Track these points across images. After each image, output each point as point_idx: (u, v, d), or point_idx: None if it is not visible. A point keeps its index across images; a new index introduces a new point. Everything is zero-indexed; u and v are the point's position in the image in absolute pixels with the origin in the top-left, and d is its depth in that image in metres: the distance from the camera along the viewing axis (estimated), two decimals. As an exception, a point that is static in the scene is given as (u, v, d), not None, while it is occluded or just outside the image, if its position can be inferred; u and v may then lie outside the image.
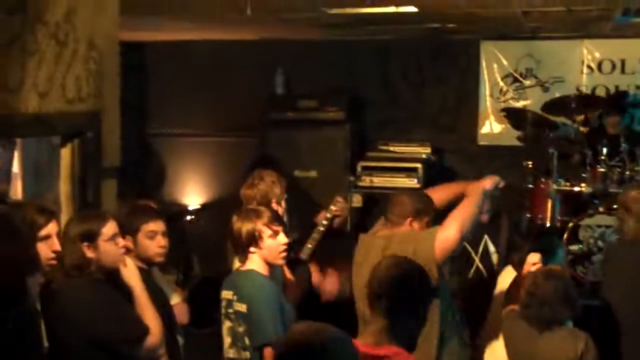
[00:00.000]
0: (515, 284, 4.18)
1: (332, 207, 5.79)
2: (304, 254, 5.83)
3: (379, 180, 7.18)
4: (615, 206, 6.00)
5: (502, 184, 4.13)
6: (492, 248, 5.55)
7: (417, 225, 4.15)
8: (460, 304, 4.93)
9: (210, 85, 8.22)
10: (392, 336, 2.74)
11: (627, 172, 6.18)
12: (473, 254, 5.54)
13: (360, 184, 7.19)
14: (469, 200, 3.91)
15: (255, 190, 4.75)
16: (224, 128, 8.27)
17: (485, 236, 5.54)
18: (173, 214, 7.48)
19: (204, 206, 8.23)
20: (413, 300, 2.83)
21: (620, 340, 4.29)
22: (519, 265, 4.37)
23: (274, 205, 4.62)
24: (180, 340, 4.50)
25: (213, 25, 6.93)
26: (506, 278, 4.54)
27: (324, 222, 5.82)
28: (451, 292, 4.38)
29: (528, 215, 6.45)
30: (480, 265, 5.38)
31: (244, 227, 3.96)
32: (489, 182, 4.03)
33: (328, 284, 5.14)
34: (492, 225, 5.76)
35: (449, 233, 3.78)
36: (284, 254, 4.03)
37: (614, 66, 7.70)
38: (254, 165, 6.23)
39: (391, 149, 7.59)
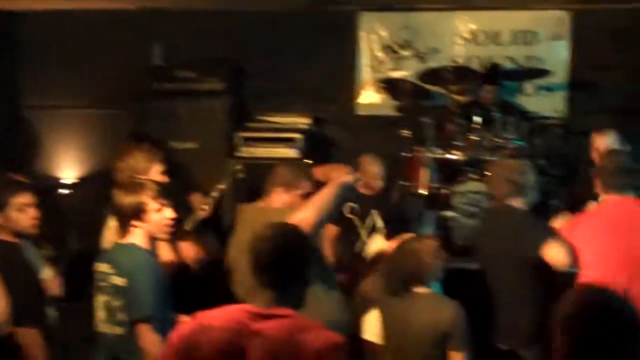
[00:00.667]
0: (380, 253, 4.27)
1: (213, 196, 5.75)
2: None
3: (259, 151, 7.16)
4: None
5: (358, 183, 4.21)
6: (379, 222, 5.65)
7: (287, 197, 4.20)
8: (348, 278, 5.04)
9: (86, 56, 7.98)
10: (282, 302, 2.74)
11: (499, 141, 6.36)
12: (359, 228, 5.63)
13: (240, 154, 7.16)
14: (327, 189, 3.95)
15: (123, 165, 4.64)
16: (100, 100, 8.05)
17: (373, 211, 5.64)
18: (46, 187, 7.26)
19: (81, 180, 8.02)
20: (298, 267, 2.83)
21: (491, 303, 4.42)
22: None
23: None
24: (52, 313, 4.40)
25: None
26: (372, 247, 4.64)
27: (204, 207, 5.77)
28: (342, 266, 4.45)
29: (404, 183, 6.55)
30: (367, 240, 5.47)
31: (128, 200, 3.86)
32: (347, 177, 4.06)
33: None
34: (380, 198, 5.87)
35: (304, 215, 3.80)
36: (170, 229, 3.96)
37: (487, 37, 7.89)
38: (130, 138, 6.11)
39: (271, 119, 7.58)
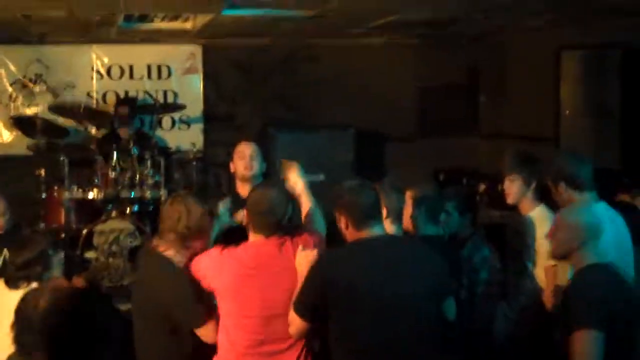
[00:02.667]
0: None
1: None
2: None
3: None
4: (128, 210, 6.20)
5: None
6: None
7: None
8: None
9: None
10: None
11: (138, 176, 6.34)
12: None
13: None
14: None
15: None
16: None
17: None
18: None
19: None
20: None
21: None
22: None
23: None
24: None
25: None
26: None
27: None
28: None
29: (43, 225, 6.28)
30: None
31: None
32: None
33: None
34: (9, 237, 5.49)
35: None
36: None
37: (122, 71, 7.88)
38: None
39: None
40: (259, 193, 3.69)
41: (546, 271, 4.23)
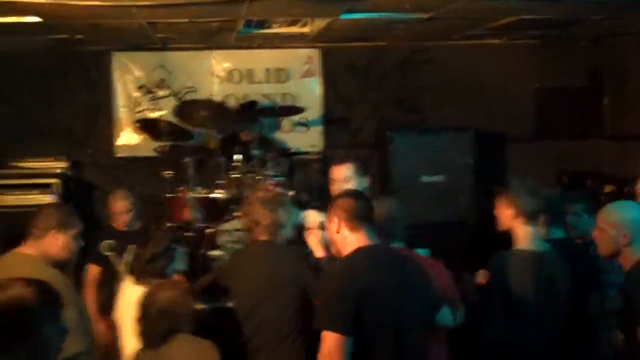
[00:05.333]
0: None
1: None
2: None
3: (12, 199, 6.79)
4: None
5: None
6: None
7: (63, 237, 4.02)
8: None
9: None
10: None
11: (259, 177, 6.47)
12: (117, 265, 5.48)
13: (-10, 203, 6.77)
14: None
15: None
16: None
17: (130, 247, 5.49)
18: None
19: None
20: None
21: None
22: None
23: None
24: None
25: None
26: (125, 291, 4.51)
27: None
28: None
29: (169, 224, 6.47)
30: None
31: None
32: None
33: None
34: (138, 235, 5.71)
35: None
36: None
37: (242, 76, 8.05)
38: None
39: (24, 165, 7.22)
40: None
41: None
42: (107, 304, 5.41)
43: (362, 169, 4.83)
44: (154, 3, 5.02)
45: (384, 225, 3.84)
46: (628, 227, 3.49)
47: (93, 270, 5.83)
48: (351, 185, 4.60)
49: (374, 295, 3.32)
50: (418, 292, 3.48)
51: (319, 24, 6.56)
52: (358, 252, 3.47)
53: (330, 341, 3.24)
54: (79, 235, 4.13)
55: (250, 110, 7.39)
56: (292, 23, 6.73)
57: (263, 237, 4.38)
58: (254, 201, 4.51)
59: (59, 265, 4.09)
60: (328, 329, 3.26)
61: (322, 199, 6.75)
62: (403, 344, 3.35)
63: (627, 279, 3.51)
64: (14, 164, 7.25)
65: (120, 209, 5.91)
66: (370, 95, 8.13)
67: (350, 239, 3.51)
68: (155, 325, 3.74)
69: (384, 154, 7.46)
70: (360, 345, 3.28)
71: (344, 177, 4.71)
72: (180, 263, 4.56)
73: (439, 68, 8.07)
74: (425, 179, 7.26)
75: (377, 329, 3.31)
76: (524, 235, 4.02)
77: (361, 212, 3.53)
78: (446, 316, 3.87)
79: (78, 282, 5.98)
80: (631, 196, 4.87)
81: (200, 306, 3.96)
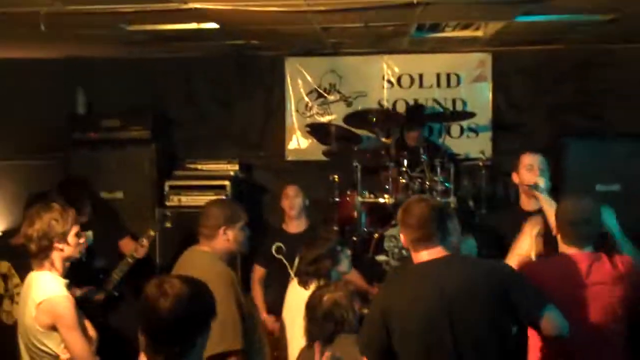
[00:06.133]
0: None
1: (144, 241, 5.64)
2: (109, 285, 5.64)
3: (187, 199, 7.08)
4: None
5: None
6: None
7: (231, 232, 4.19)
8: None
9: (9, 105, 7.82)
10: None
11: (428, 183, 6.41)
12: (289, 268, 5.57)
13: (168, 203, 7.07)
14: None
15: (31, 230, 3.94)
16: (24, 150, 7.83)
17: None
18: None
19: (5, 233, 7.76)
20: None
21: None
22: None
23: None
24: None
25: (8, 41, 6.57)
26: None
27: (134, 255, 5.65)
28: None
29: (336, 227, 6.53)
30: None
31: None
32: None
33: None
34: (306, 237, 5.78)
35: None
36: None
37: (412, 80, 8.01)
38: (55, 189, 5.96)
39: (199, 167, 7.51)
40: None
41: None
42: (274, 304, 5.56)
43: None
44: (330, 8, 5.07)
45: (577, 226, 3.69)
46: None
47: (259, 272, 5.98)
48: (537, 175, 4.70)
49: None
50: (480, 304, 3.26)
51: (493, 27, 6.42)
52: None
53: None
54: (245, 226, 4.29)
55: (417, 115, 7.34)
56: (465, 27, 6.63)
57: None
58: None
59: (228, 261, 4.26)
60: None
61: (490, 207, 6.64)
62: None
63: None
64: (190, 165, 7.56)
65: (292, 201, 6.06)
66: (544, 100, 7.86)
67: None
68: (322, 327, 3.80)
69: (557, 160, 7.20)
70: None
71: (537, 166, 4.73)
72: (345, 265, 4.59)
73: (619, 71, 7.69)
74: (600, 187, 6.95)
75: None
76: None
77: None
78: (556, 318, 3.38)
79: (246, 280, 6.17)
80: None
81: (364, 310, 3.96)
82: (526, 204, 5.00)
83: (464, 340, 3.18)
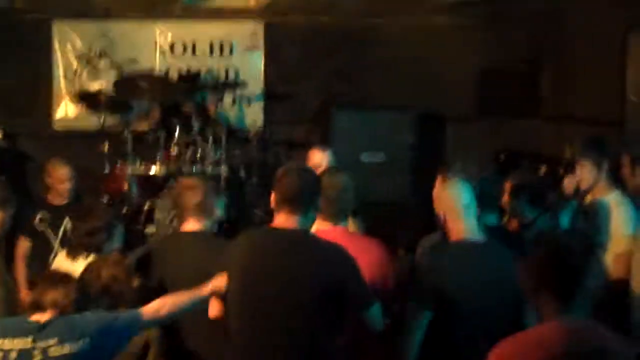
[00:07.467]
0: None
1: None
2: None
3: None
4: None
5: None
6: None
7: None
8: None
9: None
10: None
11: (199, 152, 6.41)
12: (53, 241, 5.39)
13: None
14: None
15: None
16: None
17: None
18: None
19: None
20: None
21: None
22: None
23: None
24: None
25: None
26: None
27: None
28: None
29: (106, 198, 6.39)
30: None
31: None
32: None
33: None
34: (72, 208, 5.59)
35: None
36: None
37: (185, 48, 7.94)
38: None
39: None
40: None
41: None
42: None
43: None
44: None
45: (335, 199, 3.78)
46: None
47: (24, 244, 5.72)
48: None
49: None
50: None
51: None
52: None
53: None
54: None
55: (191, 82, 7.30)
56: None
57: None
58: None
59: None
60: None
61: (261, 176, 6.76)
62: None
63: None
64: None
65: (61, 176, 5.71)
66: (315, 71, 8.08)
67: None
68: (97, 302, 3.72)
69: (325, 130, 7.45)
70: None
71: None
72: (118, 240, 4.50)
73: (385, 46, 8.05)
74: (365, 156, 7.27)
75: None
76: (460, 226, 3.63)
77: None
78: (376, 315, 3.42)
79: (9, 255, 5.89)
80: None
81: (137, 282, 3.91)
82: None
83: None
